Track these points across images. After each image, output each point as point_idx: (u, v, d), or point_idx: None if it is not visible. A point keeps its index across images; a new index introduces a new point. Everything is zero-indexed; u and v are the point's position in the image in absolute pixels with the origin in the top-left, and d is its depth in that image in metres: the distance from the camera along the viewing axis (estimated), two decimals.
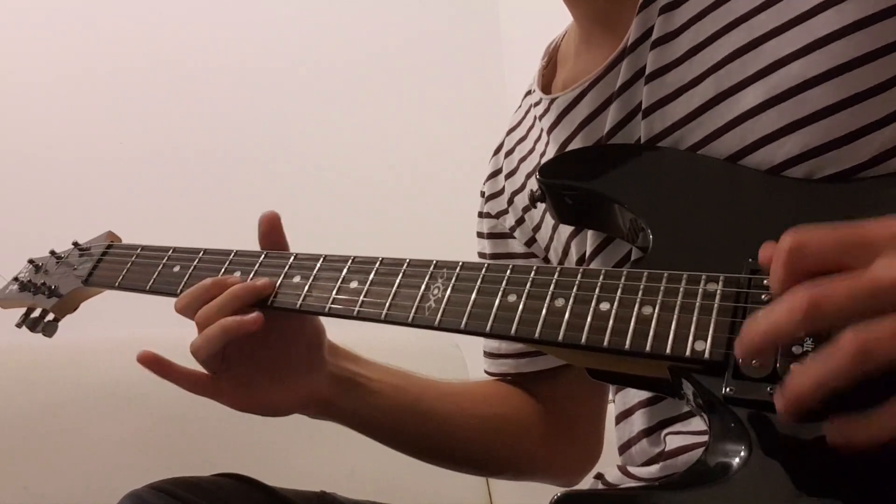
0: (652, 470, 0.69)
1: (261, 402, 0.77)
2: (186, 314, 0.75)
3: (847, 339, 0.40)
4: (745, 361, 0.50)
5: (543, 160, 0.81)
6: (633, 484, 0.70)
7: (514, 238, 0.89)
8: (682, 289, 0.56)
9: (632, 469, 0.72)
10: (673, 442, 0.67)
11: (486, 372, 0.95)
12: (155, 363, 0.75)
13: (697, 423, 0.65)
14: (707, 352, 0.53)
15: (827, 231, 0.44)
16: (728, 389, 0.51)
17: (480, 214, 0.94)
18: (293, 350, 0.77)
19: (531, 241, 0.87)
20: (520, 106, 0.91)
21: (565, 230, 0.78)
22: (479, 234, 0.94)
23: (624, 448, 0.76)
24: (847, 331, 0.41)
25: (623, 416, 0.76)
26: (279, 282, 0.74)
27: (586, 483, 0.79)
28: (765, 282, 0.54)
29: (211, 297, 0.73)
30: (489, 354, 0.94)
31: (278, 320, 0.75)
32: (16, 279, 1.00)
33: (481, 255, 0.94)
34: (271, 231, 0.79)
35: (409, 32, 2.00)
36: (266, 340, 0.75)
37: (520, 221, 0.88)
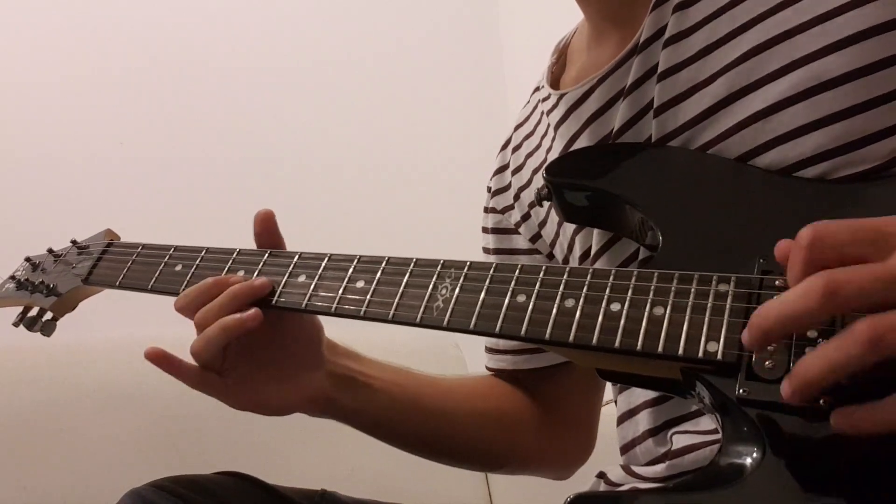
0: (657, 469, 0.69)
1: (263, 401, 0.77)
2: (186, 314, 0.75)
3: (862, 326, 0.41)
4: (756, 348, 0.48)
5: (550, 156, 0.81)
6: (637, 482, 0.70)
7: (519, 234, 0.89)
8: (693, 289, 0.56)
9: (636, 468, 0.72)
10: (680, 441, 0.67)
11: (487, 367, 0.95)
12: (163, 359, 0.74)
13: (705, 423, 0.65)
14: (720, 353, 0.52)
15: (844, 224, 0.45)
16: (742, 391, 0.51)
17: (486, 209, 0.94)
18: (292, 348, 0.77)
19: (536, 238, 0.87)
20: (528, 101, 0.91)
21: (571, 226, 0.77)
22: (484, 230, 0.94)
23: (627, 448, 0.76)
24: (862, 319, 0.41)
25: (626, 417, 0.76)
26: (283, 280, 0.74)
27: (588, 482, 0.79)
28: (777, 282, 0.54)
29: (211, 298, 0.73)
30: (489, 350, 0.94)
31: (277, 318, 0.75)
32: (12, 277, 0.99)
33: (485, 249, 0.94)
34: (266, 230, 0.78)
35: (408, 32, 1.99)
36: (265, 339, 0.75)
37: (525, 217, 0.87)
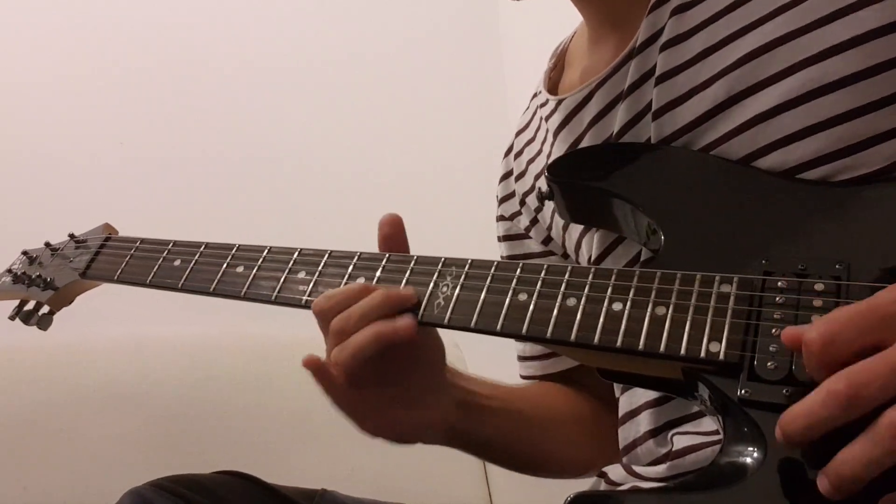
0: (659, 469, 0.68)
1: (396, 427, 0.70)
2: (324, 316, 0.66)
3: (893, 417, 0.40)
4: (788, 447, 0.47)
5: (550, 161, 0.81)
6: (637, 482, 0.70)
7: (531, 238, 0.89)
8: (695, 290, 0.56)
9: (637, 468, 0.71)
10: (680, 442, 0.67)
11: (521, 376, 0.93)
12: (318, 368, 0.66)
13: (707, 424, 0.64)
14: (722, 353, 0.52)
15: (846, 318, 0.44)
16: (743, 391, 0.51)
17: (497, 219, 0.94)
18: (420, 369, 0.70)
19: (548, 240, 0.87)
20: (527, 107, 0.91)
21: (576, 229, 0.77)
22: (498, 238, 0.94)
23: (628, 448, 0.76)
24: (892, 409, 0.41)
25: (628, 417, 0.76)
26: (283, 277, 0.73)
27: (588, 481, 0.79)
28: (779, 283, 0.54)
29: (353, 303, 0.65)
30: (519, 358, 0.93)
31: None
32: (9, 271, 0.99)
33: (502, 258, 0.93)
34: (393, 234, 0.71)
35: (408, 32, 1.99)
36: (390, 356, 0.66)
37: (534, 221, 0.87)
